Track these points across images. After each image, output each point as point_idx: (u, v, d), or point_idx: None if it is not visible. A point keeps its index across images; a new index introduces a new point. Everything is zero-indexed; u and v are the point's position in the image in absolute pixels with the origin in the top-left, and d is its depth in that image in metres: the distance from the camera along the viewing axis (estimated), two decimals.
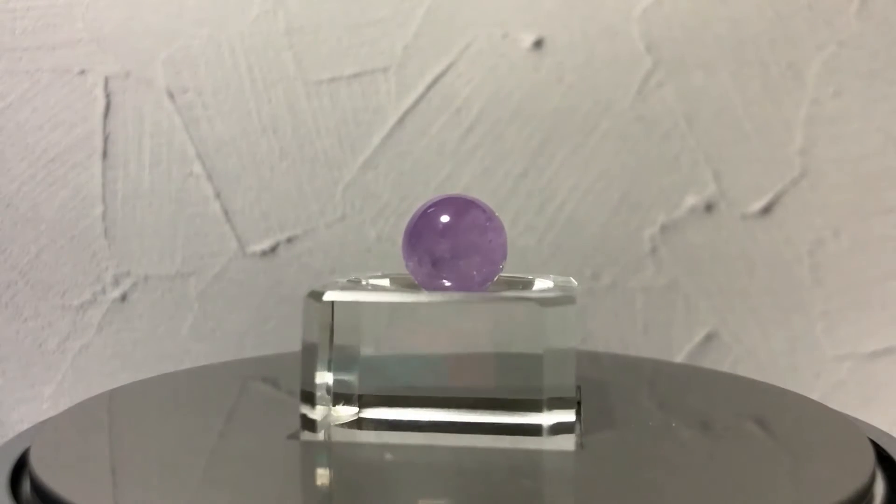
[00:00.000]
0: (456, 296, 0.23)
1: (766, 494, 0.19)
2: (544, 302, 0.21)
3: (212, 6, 0.39)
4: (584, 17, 0.39)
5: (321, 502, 0.20)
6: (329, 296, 0.22)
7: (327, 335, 0.23)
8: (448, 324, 0.23)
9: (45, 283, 0.39)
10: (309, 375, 0.22)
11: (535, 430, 0.21)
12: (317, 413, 0.22)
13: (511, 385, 0.22)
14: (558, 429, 0.21)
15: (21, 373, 0.40)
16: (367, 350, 0.23)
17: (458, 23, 0.39)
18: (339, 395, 0.23)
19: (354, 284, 0.25)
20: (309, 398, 0.22)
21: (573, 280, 0.25)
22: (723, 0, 0.38)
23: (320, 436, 0.22)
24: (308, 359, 0.22)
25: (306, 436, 0.22)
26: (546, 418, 0.21)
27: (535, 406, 0.21)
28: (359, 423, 0.23)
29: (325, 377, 0.22)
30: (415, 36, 0.39)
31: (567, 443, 0.21)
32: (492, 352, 0.23)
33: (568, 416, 0.21)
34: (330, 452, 0.22)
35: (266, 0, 0.39)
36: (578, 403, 0.25)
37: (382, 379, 0.23)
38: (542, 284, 0.26)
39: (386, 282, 0.26)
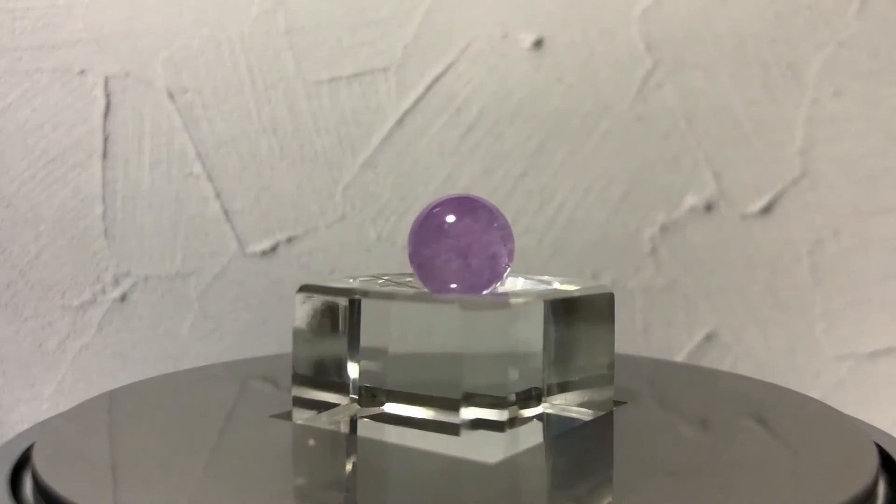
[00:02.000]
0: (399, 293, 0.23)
1: (772, 494, 0.19)
2: (465, 305, 0.21)
3: (212, 6, 0.39)
4: (584, 17, 0.39)
5: (321, 501, 0.20)
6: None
7: (328, 327, 0.23)
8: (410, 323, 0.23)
9: (45, 283, 0.39)
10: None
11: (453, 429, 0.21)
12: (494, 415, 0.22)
13: (432, 382, 0.22)
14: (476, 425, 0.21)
15: (21, 373, 0.40)
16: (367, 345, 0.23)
17: (458, 23, 0.39)
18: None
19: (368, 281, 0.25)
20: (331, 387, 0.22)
21: (605, 287, 0.25)
22: (723, 0, 0.38)
23: (321, 421, 0.22)
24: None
25: (307, 418, 0.22)
26: (465, 415, 0.21)
27: (453, 405, 0.21)
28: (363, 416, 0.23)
29: (331, 367, 0.23)
30: (415, 36, 0.39)
31: (488, 449, 0.21)
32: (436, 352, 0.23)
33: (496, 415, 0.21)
34: (330, 450, 0.22)
35: (266, 0, 0.39)
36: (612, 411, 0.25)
37: (379, 374, 0.23)
38: (530, 286, 0.25)
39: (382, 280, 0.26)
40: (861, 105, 0.38)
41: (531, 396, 0.22)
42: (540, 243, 0.39)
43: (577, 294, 0.24)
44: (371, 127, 0.39)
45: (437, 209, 0.23)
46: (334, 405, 0.23)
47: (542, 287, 0.25)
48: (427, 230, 0.23)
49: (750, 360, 0.39)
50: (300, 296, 0.24)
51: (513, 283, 0.26)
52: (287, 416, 0.24)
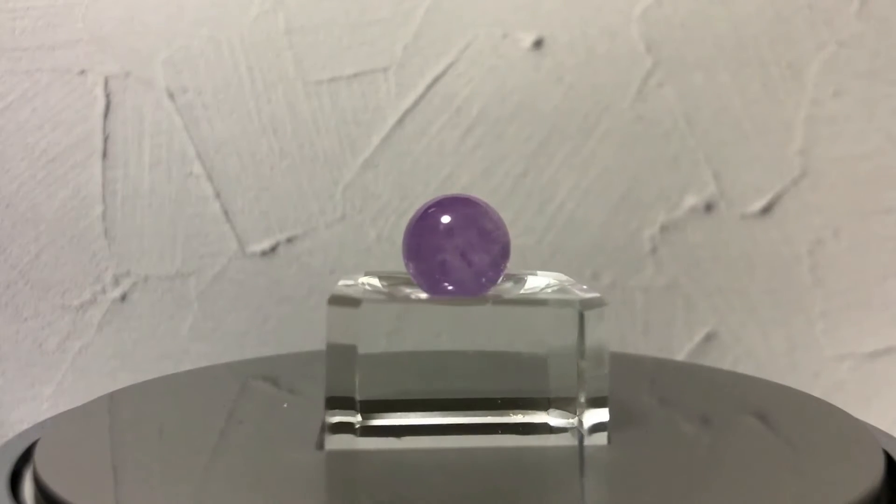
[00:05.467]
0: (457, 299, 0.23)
1: (774, 493, 0.19)
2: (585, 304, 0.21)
3: (212, 6, 0.39)
4: (584, 17, 0.39)
5: (325, 502, 0.20)
6: (364, 300, 0.22)
7: (354, 340, 0.22)
8: (457, 327, 0.23)
9: (45, 283, 0.39)
10: (337, 381, 0.22)
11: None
12: (343, 417, 0.22)
13: (517, 387, 0.22)
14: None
15: (21, 373, 0.40)
16: (380, 354, 0.23)
17: (458, 23, 0.39)
18: (353, 401, 0.23)
19: (378, 288, 0.25)
20: (339, 403, 0.22)
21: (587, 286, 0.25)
22: (723, 0, 0.38)
23: (342, 442, 0.22)
24: (336, 364, 0.22)
25: (335, 442, 0.22)
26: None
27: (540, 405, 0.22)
28: (365, 428, 0.23)
29: (349, 382, 0.22)
30: (415, 36, 0.39)
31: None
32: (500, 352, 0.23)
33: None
34: (339, 455, 0.22)
35: (266, 0, 0.39)
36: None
37: (393, 383, 0.23)
38: (538, 282, 0.25)
39: (388, 283, 0.26)
40: (861, 105, 0.38)
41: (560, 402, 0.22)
42: (540, 243, 0.39)
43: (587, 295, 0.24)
44: (371, 127, 0.39)
45: (431, 209, 0.23)
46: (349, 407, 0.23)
47: (553, 286, 0.25)
48: (419, 230, 0.23)
49: (750, 360, 0.39)
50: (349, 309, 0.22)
51: (510, 282, 0.26)
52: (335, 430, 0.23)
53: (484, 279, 0.23)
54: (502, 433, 0.22)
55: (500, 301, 0.23)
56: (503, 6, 0.39)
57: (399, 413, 0.22)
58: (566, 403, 0.22)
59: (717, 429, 0.25)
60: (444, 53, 0.39)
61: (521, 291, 0.25)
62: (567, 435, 0.22)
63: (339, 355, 0.21)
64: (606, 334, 0.22)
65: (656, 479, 0.20)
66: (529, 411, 0.22)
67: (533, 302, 0.23)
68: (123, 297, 0.39)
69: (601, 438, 0.22)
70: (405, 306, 0.23)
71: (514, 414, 0.22)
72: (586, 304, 0.22)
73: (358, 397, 0.22)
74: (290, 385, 0.28)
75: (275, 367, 0.31)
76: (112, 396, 0.27)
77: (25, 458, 0.22)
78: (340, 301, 0.22)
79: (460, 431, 0.22)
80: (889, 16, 0.38)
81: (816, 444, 0.23)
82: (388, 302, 0.23)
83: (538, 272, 0.26)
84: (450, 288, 0.23)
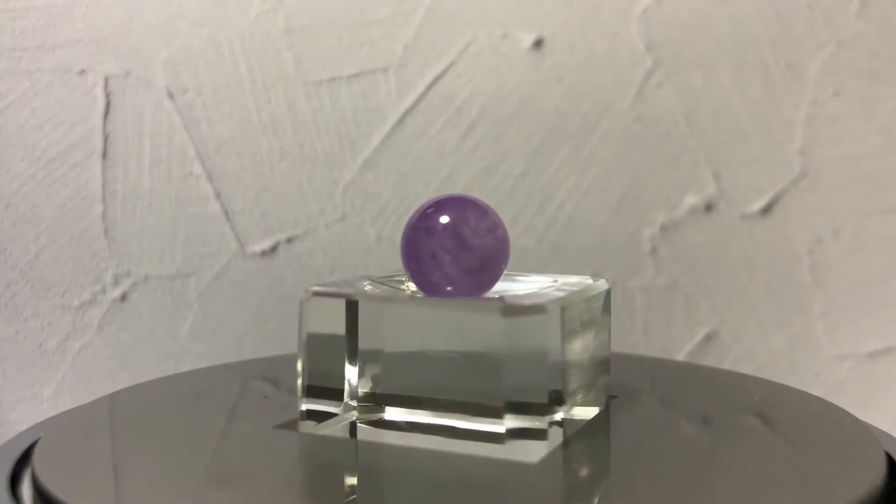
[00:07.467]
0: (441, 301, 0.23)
1: (774, 492, 0.19)
2: (507, 311, 0.21)
3: (212, 6, 0.39)
4: (584, 17, 0.39)
5: (324, 502, 0.20)
6: (335, 294, 0.23)
7: (325, 333, 0.23)
8: (439, 328, 0.23)
9: (45, 283, 0.39)
10: (307, 372, 0.23)
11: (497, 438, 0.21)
12: (314, 407, 0.23)
13: (473, 388, 0.22)
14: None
15: (21, 373, 0.40)
16: (363, 349, 0.23)
17: (458, 23, 0.39)
18: (334, 392, 0.23)
19: (357, 284, 0.25)
20: (311, 392, 0.23)
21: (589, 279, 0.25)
22: (723, 0, 0.38)
23: (318, 430, 0.22)
24: (306, 356, 0.23)
25: (305, 427, 0.23)
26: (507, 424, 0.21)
27: (495, 412, 0.21)
28: (355, 421, 0.23)
29: (322, 374, 0.23)
30: (415, 36, 0.39)
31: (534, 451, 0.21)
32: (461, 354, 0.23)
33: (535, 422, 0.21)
34: (330, 452, 0.22)
35: (266, 0, 0.39)
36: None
37: (376, 379, 0.23)
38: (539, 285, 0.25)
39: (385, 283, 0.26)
40: (861, 105, 0.38)
41: (556, 401, 0.22)
42: (540, 243, 0.39)
43: (588, 292, 0.24)
44: (371, 127, 0.39)
45: (429, 209, 0.23)
46: (347, 409, 0.23)
47: (549, 286, 0.25)
48: (409, 228, 0.23)
49: (750, 360, 0.39)
50: (314, 301, 0.23)
51: (513, 284, 0.26)
52: (294, 422, 0.24)
53: (456, 286, 0.23)
54: (436, 435, 0.22)
55: (425, 303, 0.23)
56: (503, 6, 0.39)
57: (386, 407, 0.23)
58: (493, 411, 0.21)
59: (717, 429, 0.25)
60: (444, 53, 0.39)
61: (506, 295, 0.25)
62: (496, 445, 0.21)
63: (303, 347, 0.23)
64: (547, 342, 0.21)
65: (656, 479, 0.20)
66: (465, 416, 0.22)
67: (460, 307, 0.23)
68: (123, 297, 0.39)
69: (529, 449, 0.21)
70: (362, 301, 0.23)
71: (448, 416, 0.22)
72: (509, 312, 0.21)
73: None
74: (289, 385, 0.28)
75: (275, 367, 0.31)
76: (112, 396, 0.27)
77: (25, 458, 0.22)
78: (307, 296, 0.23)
79: (425, 431, 0.22)
80: (889, 16, 0.38)
81: (817, 444, 0.23)
82: (333, 297, 0.23)
83: (581, 276, 0.26)
84: (448, 289, 0.23)
